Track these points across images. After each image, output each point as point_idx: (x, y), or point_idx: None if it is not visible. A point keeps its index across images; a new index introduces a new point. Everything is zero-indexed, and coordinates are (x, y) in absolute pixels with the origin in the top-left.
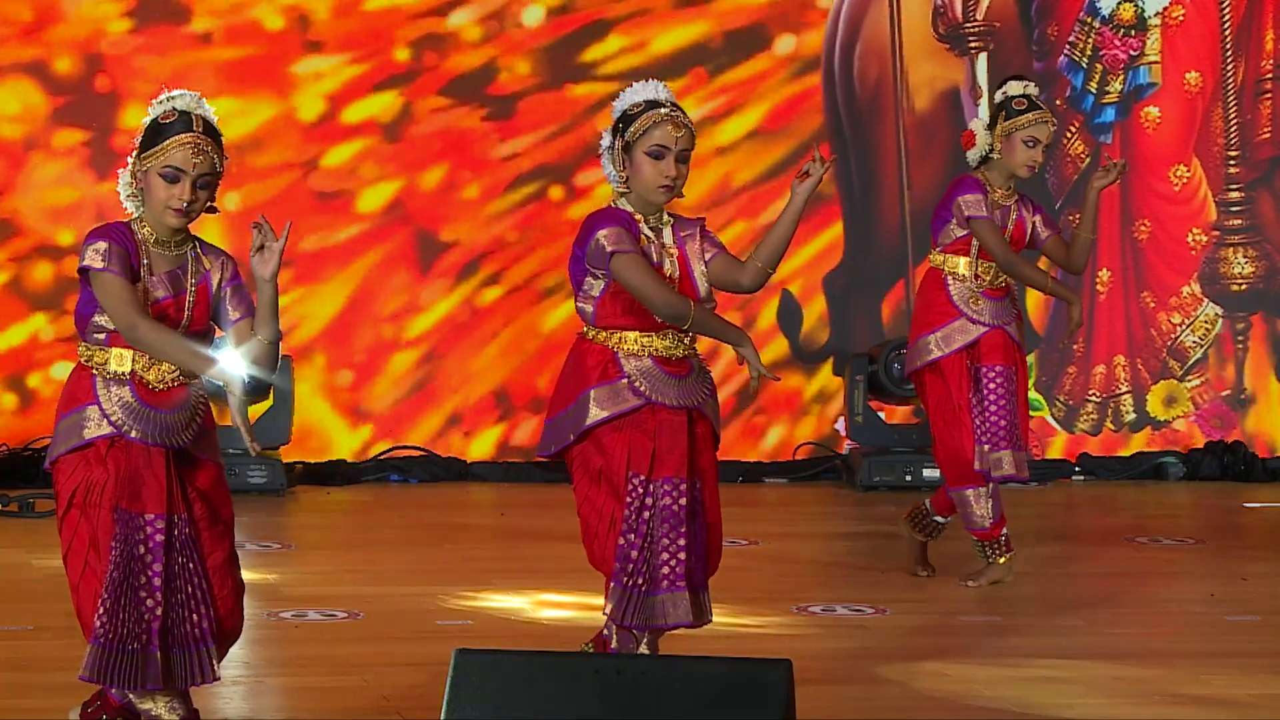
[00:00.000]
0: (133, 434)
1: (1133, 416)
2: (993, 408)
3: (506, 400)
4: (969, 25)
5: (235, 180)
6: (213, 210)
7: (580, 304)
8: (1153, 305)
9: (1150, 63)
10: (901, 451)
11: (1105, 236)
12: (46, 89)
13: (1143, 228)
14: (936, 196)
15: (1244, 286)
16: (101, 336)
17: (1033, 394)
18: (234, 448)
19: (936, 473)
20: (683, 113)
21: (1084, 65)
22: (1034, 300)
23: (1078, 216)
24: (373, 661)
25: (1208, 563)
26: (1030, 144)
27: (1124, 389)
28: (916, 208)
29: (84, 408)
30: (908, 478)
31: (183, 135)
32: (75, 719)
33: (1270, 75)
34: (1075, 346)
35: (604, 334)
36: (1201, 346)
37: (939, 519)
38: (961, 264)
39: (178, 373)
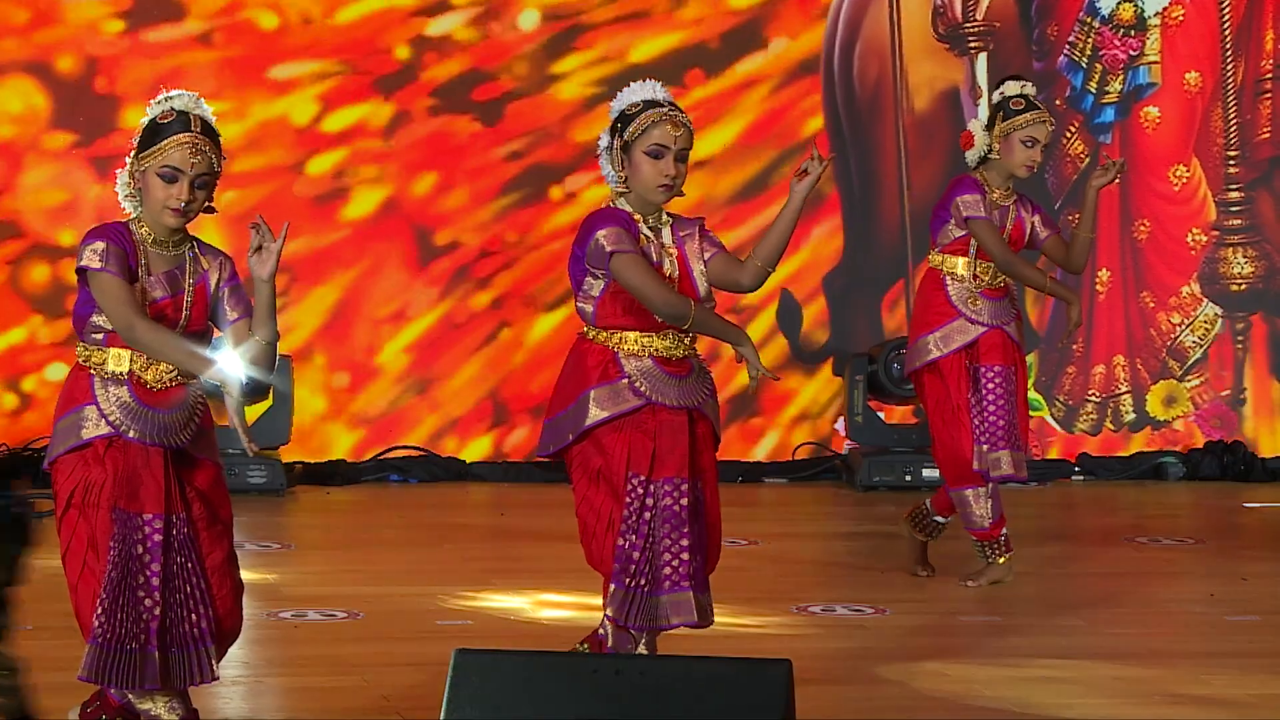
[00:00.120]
0: (131, 434)
1: (1132, 416)
2: (991, 408)
3: (502, 404)
4: (969, 25)
5: (235, 182)
6: (210, 210)
7: (580, 304)
8: (1152, 305)
9: (1150, 63)
10: (901, 451)
11: (1105, 236)
12: (44, 90)
13: (1142, 228)
14: (936, 197)
15: (1243, 286)
16: (99, 337)
17: (1032, 394)
18: (232, 448)
19: (936, 473)
20: (681, 112)
21: (1084, 65)
22: (1033, 300)
23: (1077, 216)
24: (373, 661)
25: (1208, 563)
26: (1028, 144)
27: (1124, 389)
28: (916, 208)
29: (82, 408)
30: (907, 478)
31: (180, 135)
32: (75, 719)
33: (1270, 75)
34: (1075, 346)
35: (604, 334)
36: (1201, 346)
37: (939, 519)
38: (960, 264)
39: (176, 373)
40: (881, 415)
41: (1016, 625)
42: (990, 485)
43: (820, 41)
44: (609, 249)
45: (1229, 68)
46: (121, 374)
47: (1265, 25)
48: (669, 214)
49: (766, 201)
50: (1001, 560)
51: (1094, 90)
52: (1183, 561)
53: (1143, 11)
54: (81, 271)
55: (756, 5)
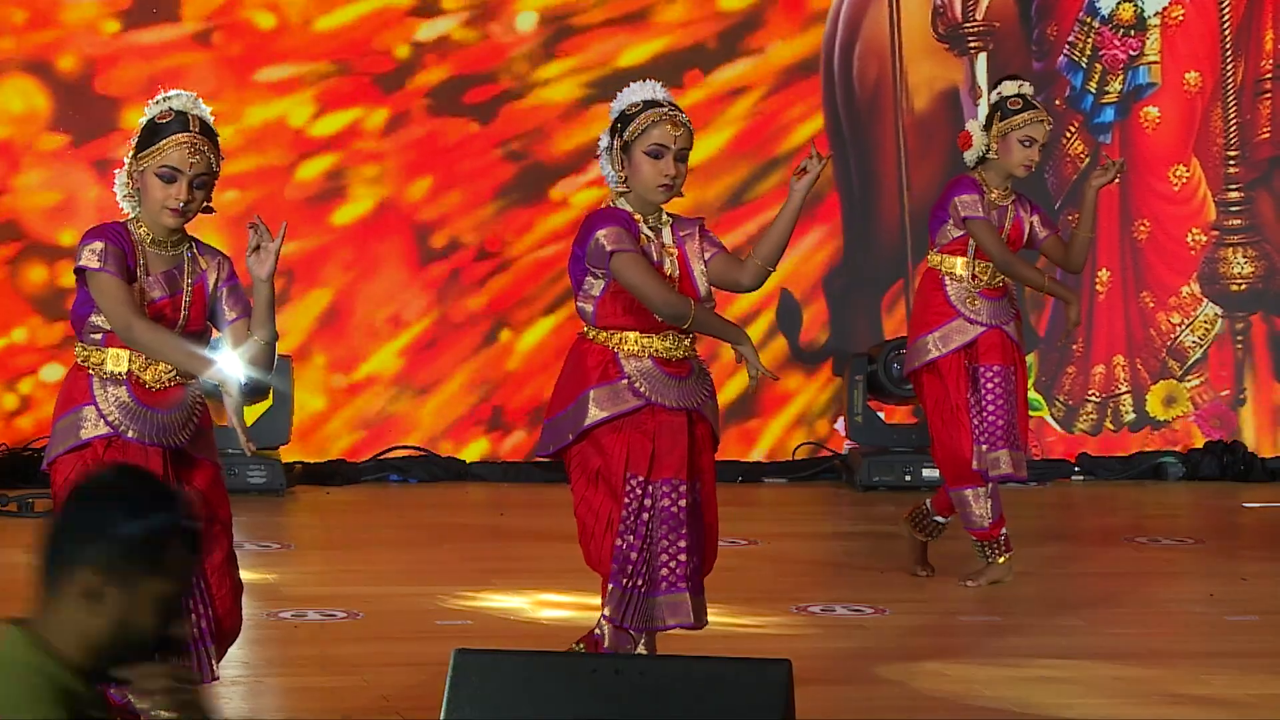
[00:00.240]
0: (129, 434)
1: (1132, 416)
2: (990, 407)
3: (500, 405)
4: (968, 25)
5: (232, 182)
6: (209, 210)
7: (580, 303)
8: (1152, 305)
9: (1150, 63)
10: (901, 451)
11: (1105, 236)
12: (43, 90)
13: (1142, 228)
14: (936, 197)
15: (1243, 286)
16: (98, 337)
17: (1032, 394)
18: (232, 448)
19: (936, 473)
20: (681, 112)
21: (1083, 65)
22: (1033, 300)
23: (1077, 216)
24: (372, 661)
25: (1207, 563)
26: (1026, 143)
27: (1123, 389)
28: (916, 208)
29: (81, 408)
30: (907, 478)
31: (179, 135)
32: None
33: (1270, 75)
34: (1075, 346)
35: (604, 334)
36: (1201, 346)
37: (939, 519)
38: (959, 264)
39: (174, 372)
40: (881, 415)
41: (1016, 625)
42: (990, 485)
43: (810, 46)
44: (609, 248)
45: (1229, 68)
46: (120, 374)
47: (1265, 25)
48: (669, 214)
49: (758, 209)
50: (1001, 560)
51: (1094, 90)
52: (1182, 561)
53: (1142, 11)
54: (80, 271)
55: (748, 9)
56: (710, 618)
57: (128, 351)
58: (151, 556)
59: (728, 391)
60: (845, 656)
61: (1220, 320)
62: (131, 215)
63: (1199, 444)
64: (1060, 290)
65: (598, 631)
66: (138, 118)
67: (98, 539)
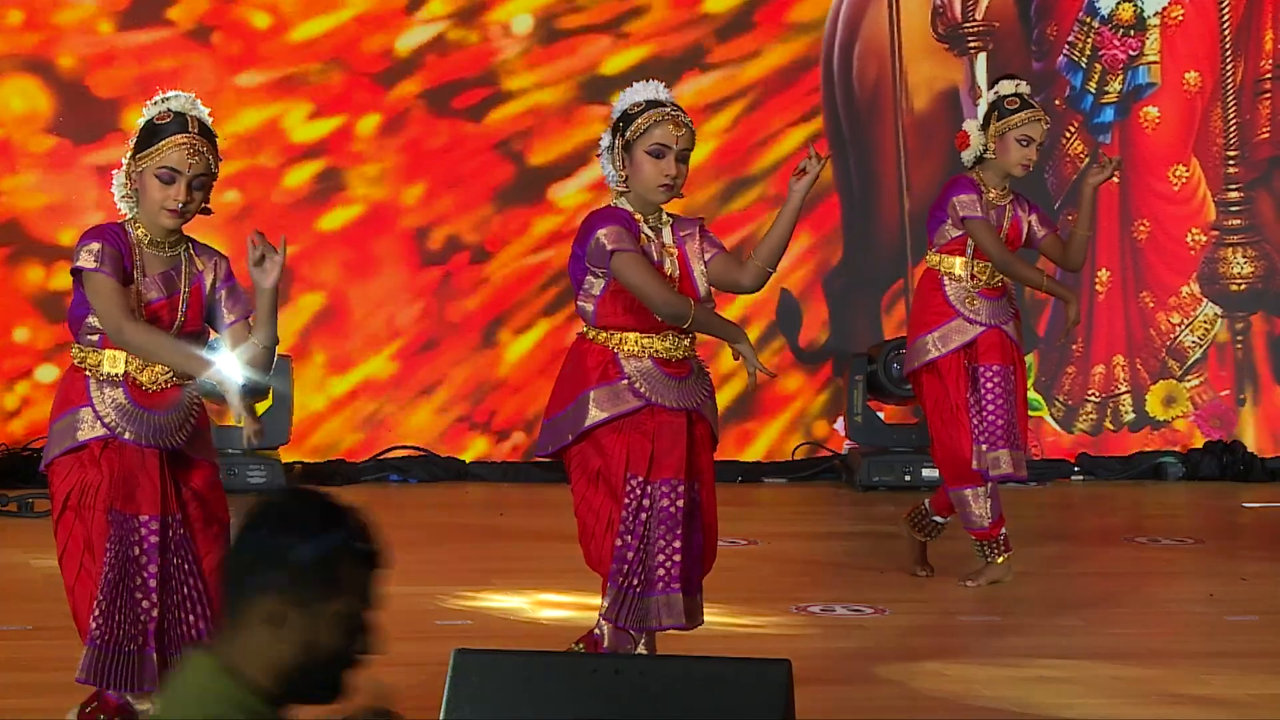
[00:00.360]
0: (126, 436)
1: (1132, 416)
2: (990, 407)
3: (499, 405)
4: (968, 25)
5: (231, 183)
6: (206, 212)
7: (581, 303)
8: (1152, 305)
9: (1149, 63)
10: (900, 451)
11: (1104, 236)
12: (42, 90)
13: (1142, 228)
14: (935, 197)
15: (1243, 286)
16: (95, 338)
17: (1032, 394)
18: (232, 448)
19: (935, 473)
20: (683, 112)
21: (1083, 65)
22: (1033, 300)
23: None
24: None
25: (1207, 563)
26: (1024, 142)
27: (1123, 389)
28: (915, 208)
29: (77, 410)
30: (907, 478)
31: (178, 136)
32: (73, 719)
33: (1269, 75)
34: (1074, 346)
35: (604, 334)
36: (1200, 346)
37: (938, 519)
38: (957, 264)
39: (171, 374)
40: (881, 415)
41: (1016, 625)
42: (989, 485)
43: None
44: (610, 247)
45: (1228, 68)
46: (117, 375)
47: (1265, 25)
48: (669, 214)
49: (751, 215)
50: (1000, 560)
51: (1093, 90)
52: (1182, 561)
53: (1142, 11)
54: (76, 272)
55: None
56: (710, 618)
57: (124, 353)
58: (328, 577)
59: (727, 392)
60: (845, 656)
61: (1220, 320)
62: (129, 216)
63: (1199, 444)
64: (1059, 289)
65: (597, 631)
66: (136, 118)
67: (273, 566)
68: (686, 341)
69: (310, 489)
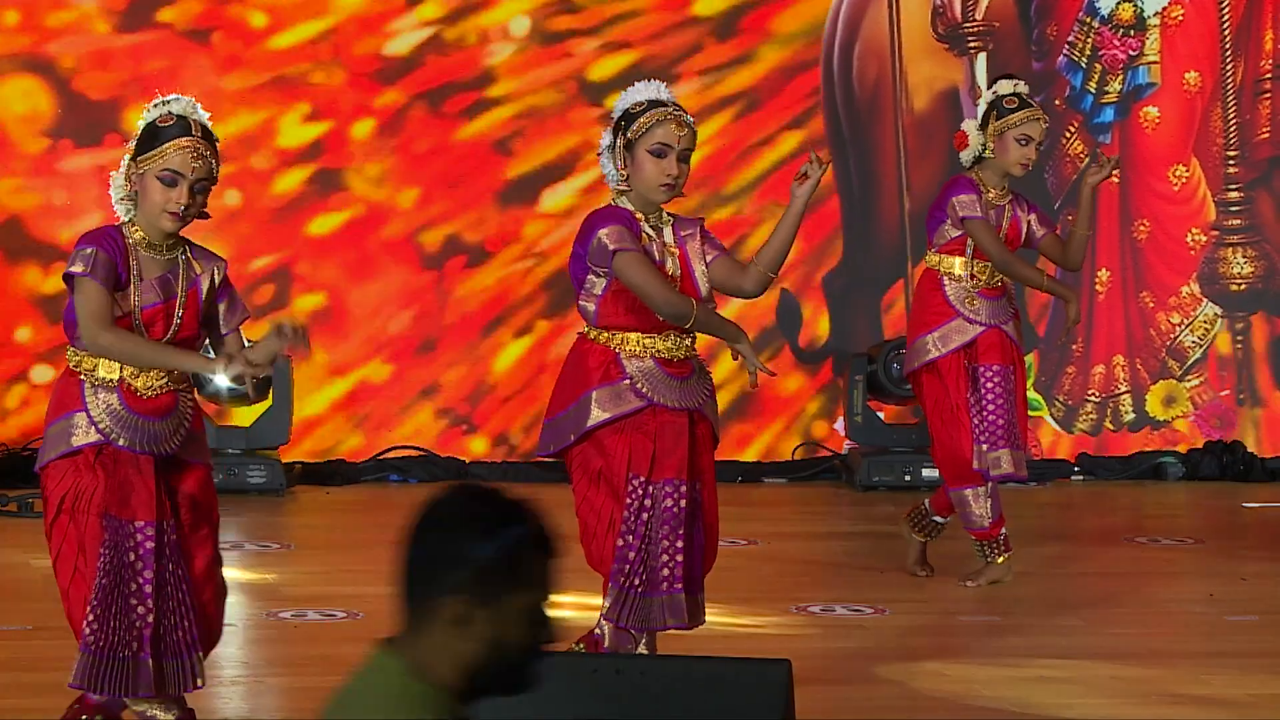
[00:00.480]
0: (120, 442)
1: (1132, 416)
2: (990, 407)
3: (498, 405)
4: (968, 25)
5: (229, 183)
6: (204, 216)
7: (582, 302)
8: (1152, 305)
9: (1149, 63)
10: (900, 451)
11: (1104, 236)
12: (42, 90)
13: (1142, 228)
14: (935, 196)
15: (1243, 286)
16: None
17: (1032, 394)
18: (232, 448)
19: (935, 473)
20: (684, 112)
21: (1083, 65)
22: (1033, 300)
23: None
24: None
25: (1207, 563)
26: (1023, 142)
27: (1123, 389)
28: (915, 208)
29: (72, 414)
30: (907, 478)
31: (181, 139)
32: None
33: (1269, 75)
34: (1074, 346)
35: (605, 334)
36: (1200, 346)
37: (938, 519)
38: (957, 264)
39: (166, 380)
40: (881, 415)
41: (1016, 625)
42: (989, 485)
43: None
44: (612, 247)
45: (1228, 68)
46: (112, 381)
47: (1265, 25)
48: (669, 214)
49: (746, 222)
50: (1000, 560)
51: (1093, 90)
52: (1182, 561)
53: (1142, 11)
54: (68, 278)
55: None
56: (710, 617)
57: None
58: (512, 572)
59: (727, 392)
60: (845, 656)
61: (1220, 320)
62: (126, 218)
63: (1199, 444)
64: (1059, 289)
65: (598, 631)
66: (134, 119)
67: (456, 566)
68: (688, 341)
69: (477, 484)
